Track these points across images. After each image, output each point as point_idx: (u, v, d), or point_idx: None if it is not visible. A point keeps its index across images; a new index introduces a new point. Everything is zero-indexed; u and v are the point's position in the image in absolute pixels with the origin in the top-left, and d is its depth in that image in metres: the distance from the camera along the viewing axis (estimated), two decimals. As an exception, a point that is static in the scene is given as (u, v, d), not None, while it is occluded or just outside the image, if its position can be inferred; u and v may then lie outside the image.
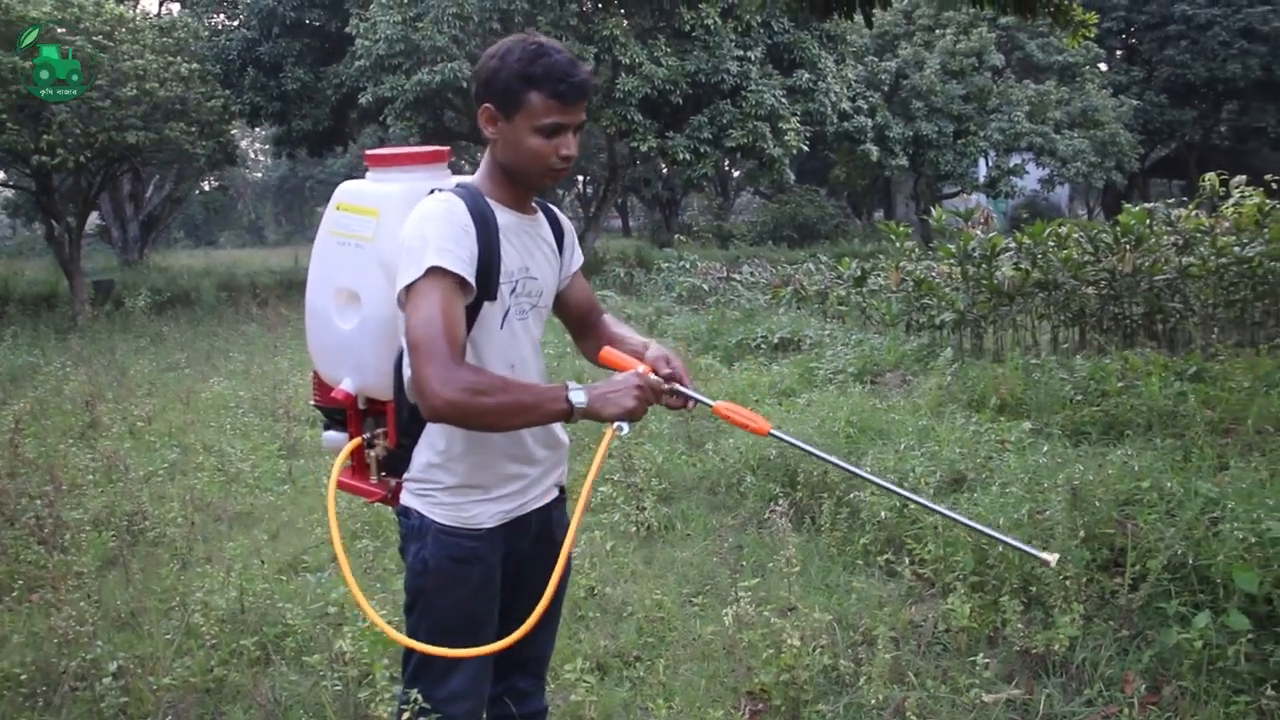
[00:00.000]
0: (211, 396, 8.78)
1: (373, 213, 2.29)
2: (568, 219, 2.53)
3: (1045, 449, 5.26)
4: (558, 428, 2.37)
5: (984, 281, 9.91)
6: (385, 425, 2.40)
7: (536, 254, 2.34)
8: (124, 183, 24.44)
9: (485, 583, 2.33)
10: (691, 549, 4.98)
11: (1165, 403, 6.54)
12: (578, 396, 2.06)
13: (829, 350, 9.50)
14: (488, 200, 2.22)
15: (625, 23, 18.69)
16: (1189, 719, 3.24)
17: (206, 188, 34.57)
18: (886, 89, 25.99)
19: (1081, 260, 10.10)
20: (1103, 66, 31.94)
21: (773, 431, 2.25)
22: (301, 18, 19.99)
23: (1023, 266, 9.90)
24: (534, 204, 2.37)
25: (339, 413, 2.47)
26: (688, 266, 16.42)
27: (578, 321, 2.59)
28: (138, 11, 22.40)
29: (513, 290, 2.26)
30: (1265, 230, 10.90)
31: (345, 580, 2.23)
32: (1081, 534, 4.04)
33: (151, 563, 4.87)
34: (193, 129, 16.53)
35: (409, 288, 2.04)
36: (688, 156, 19.70)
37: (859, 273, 11.86)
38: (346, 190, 2.40)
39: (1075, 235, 10.47)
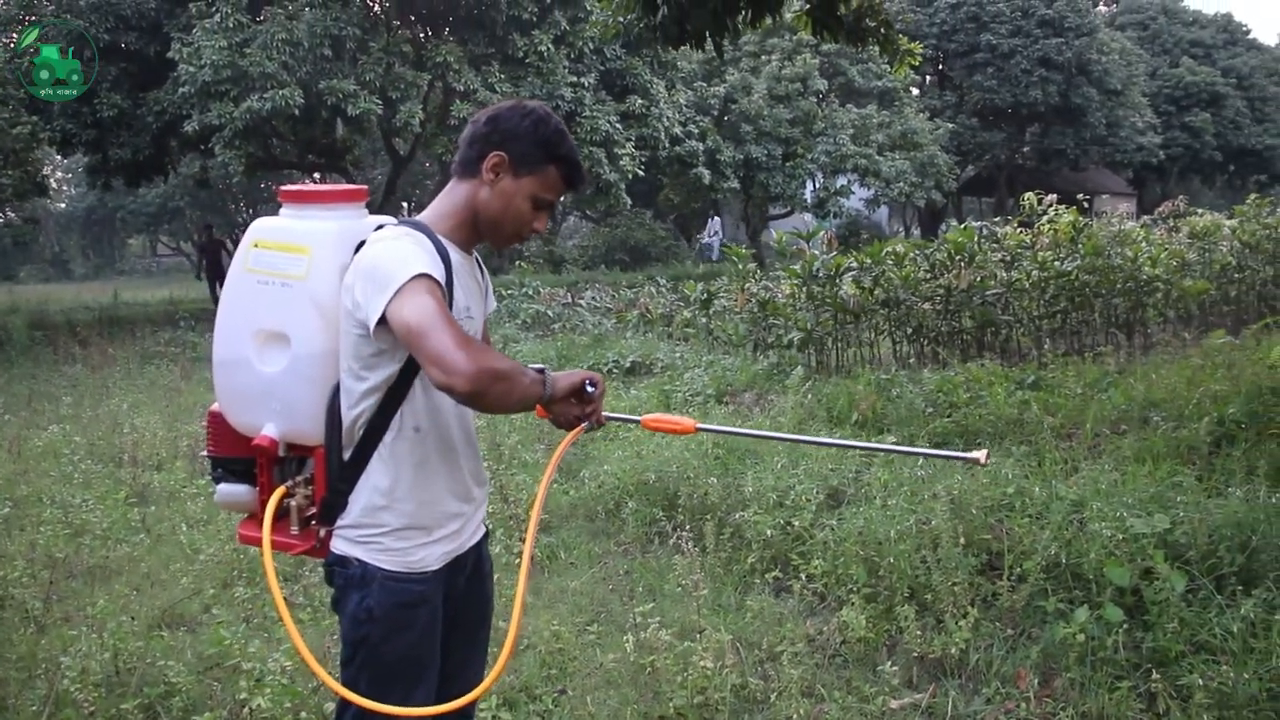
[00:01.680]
0: (42, 444, 8.23)
1: (303, 250, 2.21)
2: None
3: (917, 459, 5.45)
4: (481, 469, 2.41)
5: (828, 300, 10.25)
6: (304, 472, 2.32)
7: (475, 295, 2.36)
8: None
9: (431, 625, 2.29)
10: (579, 578, 4.95)
11: (1011, 411, 6.89)
12: (549, 384, 2.23)
13: (685, 373, 9.62)
14: (441, 238, 2.22)
15: (459, 50, 18.57)
16: (1079, 707, 3.41)
17: (2, 220, 32.45)
18: (716, 113, 26.61)
19: (919, 278, 10.57)
20: (915, 91, 33.56)
21: (700, 427, 2.44)
22: (117, 40, 19.06)
23: (864, 285, 10.30)
24: None
25: (239, 463, 2.36)
26: (530, 293, 16.39)
27: None
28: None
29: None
30: (1079, 246, 11.68)
31: (293, 643, 2.15)
32: (962, 541, 4.21)
33: (0, 628, 4.53)
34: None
35: (397, 293, 2.01)
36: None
37: (705, 295, 12.07)
38: (265, 228, 2.31)
39: (912, 254, 10.96)
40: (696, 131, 25.38)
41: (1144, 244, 12.79)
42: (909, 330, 10.85)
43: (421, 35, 19.08)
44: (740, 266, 11.80)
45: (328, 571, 2.31)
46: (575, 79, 20.09)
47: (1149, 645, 3.65)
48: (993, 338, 11.03)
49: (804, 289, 10.47)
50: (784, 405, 8.16)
